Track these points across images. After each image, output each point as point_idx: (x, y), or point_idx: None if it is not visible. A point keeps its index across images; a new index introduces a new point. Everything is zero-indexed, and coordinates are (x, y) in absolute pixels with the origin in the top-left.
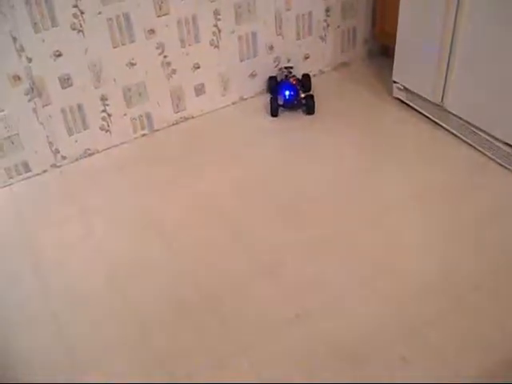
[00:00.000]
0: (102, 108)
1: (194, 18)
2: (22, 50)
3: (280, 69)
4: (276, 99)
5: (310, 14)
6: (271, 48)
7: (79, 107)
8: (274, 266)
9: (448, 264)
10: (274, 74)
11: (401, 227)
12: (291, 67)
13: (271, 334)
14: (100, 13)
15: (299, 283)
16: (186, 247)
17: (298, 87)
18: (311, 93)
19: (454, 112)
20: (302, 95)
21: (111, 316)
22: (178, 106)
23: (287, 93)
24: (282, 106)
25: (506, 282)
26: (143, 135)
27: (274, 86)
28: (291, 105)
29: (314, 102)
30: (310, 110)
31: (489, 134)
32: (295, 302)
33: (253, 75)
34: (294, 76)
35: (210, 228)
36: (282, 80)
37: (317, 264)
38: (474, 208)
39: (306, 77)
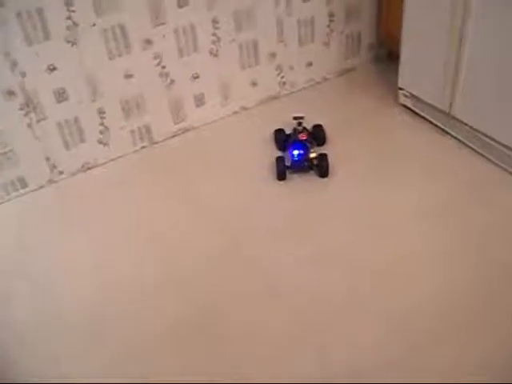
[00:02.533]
0: (100, 121)
1: (192, 27)
2: (14, 64)
3: (295, 118)
4: (283, 160)
5: (312, 19)
6: (273, 55)
7: (76, 121)
8: (275, 281)
9: (451, 281)
10: (281, 127)
11: (407, 241)
12: (301, 117)
13: (274, 352)
14: (94, 24)
15: (300, 299)
16: (188, 263)
17: (309, 144)
18: (324, 151)
19: (462, 119)
20: (313, 155)
21: (108, 334)
22: (177, 116)
23: (296, 153)
24: (290, 167)
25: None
26: (142, 147)
27: (282, 141)
28: (300, 167)
29: (327, 163)
30: (323, 172)
31: (499, 143)
32: (297, 319)
33: (254, 84)
34: (304, 129)
35: (211, 243)
36: (290, 135)
37: (317, 279)
38: (484, 221)
39: (319, 128)
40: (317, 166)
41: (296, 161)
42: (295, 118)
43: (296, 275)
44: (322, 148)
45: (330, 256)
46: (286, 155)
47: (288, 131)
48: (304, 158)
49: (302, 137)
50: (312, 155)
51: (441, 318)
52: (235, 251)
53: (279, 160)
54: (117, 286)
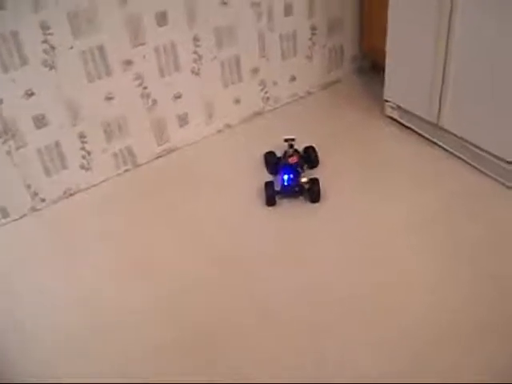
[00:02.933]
0: (81, 145)
1: (173, 46)
2: None
3: (286, 140)
4: (272, 185)
5: (294, 33)
6: (256, 71)
7: (56, 146)
8: (272, 309)
9: (444, 296)
10: (271, 149)
11: (398, 258)
12: (292, 139)
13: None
14: (72, 47)
15: (291, 324)
16: (175, 290)
17: (299, 169)
18: (315, 176)
19: (450, 130)
20: (304, 179)
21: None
22: (161, 138)
23: (286, 177)
24: (280, 192)
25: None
26: (126, 170)
27: (273, 164)
28: (291, 192)
29: (318, 188)
30: (314, 198)
31: (488, 152)
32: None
33: (238, 101)
34: (295, 151)
35: (198, 268)
36: (280, 158)
37: (309, 304)
38: (475, 233)
39: (310, 150)
40: (308, 190)
41: (286, 186)
42: (286, 140)
43: (286, 300)
44: (313, 171)
45: (320, 283)
46: (276, 179)
47: (279, 154)
48: (294, 183)
49: (293, 160)
50: (303, 180)
51: (437, 332)
52: (223, 276)
53: (268, 185)
54: (103, 313)
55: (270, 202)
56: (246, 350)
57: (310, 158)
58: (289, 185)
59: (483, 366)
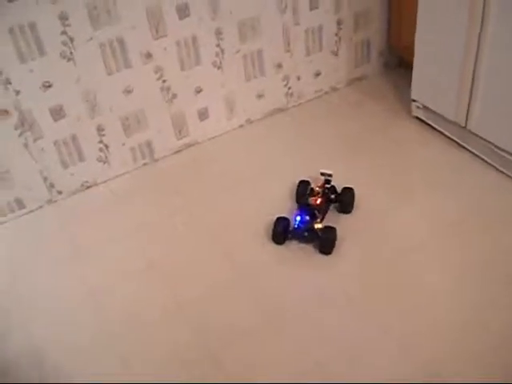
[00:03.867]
0: (99, 139)
1: (194, 39)
2: (8, 82)
3: (322, 174)
4: (283, 221)
5: (320, 27)
6: (279, 66)
7: (73, 139)
8: (285, 315)
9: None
10: (305, 178)
11: (426, 267)
12: (330, 175)
13: None
14: (91, 38)
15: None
16: (192, 294)
17: (318, 213)
18: (331, 224)
19: (479, 134)
20: (318, 226)
21: (107, 358)
22: (180, 132)
23: (298, 219)
24: (290, 232)
25: None
26: (144, 164)
27: (302, 195)
28: (299, 236)
29: (333, 239)
30: (324, 249)
31: None
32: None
33: (260, 96)
34: (325, 190)
35: (218, 273)
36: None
37: (333, 312)
38: (507, 241)
39: (348, 191)
40: (319, 239)
41: (296, 228)
42: (322, 174)
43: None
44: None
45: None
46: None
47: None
48: (306, 226)
49: (314, 201)
50: (317, 226)
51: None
52: (238, 280)
53: (279, 221)
54: (113, 312)
55: (276, 239)
56: (255, 354)
57: (345, 200)
58: (299, 227)
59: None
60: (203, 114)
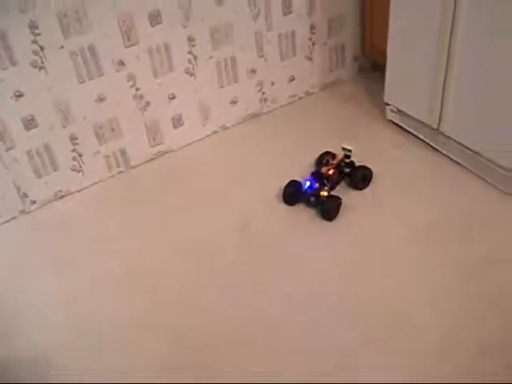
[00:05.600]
0: (72, 147)
1: (167, 46)
2: None
3: (343, 148)
4: (295, 184)
5: (293, 33)
6: (253, 72)
7: (47, 148)
8: (270, 323)
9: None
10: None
11: (402, 274)
12: (349, 150)
13: None
14: (62, 47)
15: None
16: (169, 302)
17: (327, 181)
18: (336, 194)
19: (452, 136)
20: (324, 193)
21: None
22: (154, 139)
23: (307, 183)
24: (299, 194)
25: None
26: (119, 172)
27: (290, 195)
28: (305, 199)
29: (334, 208)
30: (324, 214)
31: (490, 161)
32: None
33: (234, 102)
34: (341, 164)
35: (196, 280)
36: (300, 189)
37: (320, 321)
38: (481, 246)
39: (362, 169)
40: (322, 205)
41: (303, 192)
42: (343, 149)
43: (284, 311)
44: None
45: (315, 293)
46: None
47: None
48: (313, 192)
49: (327, 171)
50: (323, 193)
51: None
52: (218, 285)
53: (290, 183)
54: (90, 323)
55: (286, 199)
56: (241, 360)
57: (355, 177)
58: (306, 192)
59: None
60: (177, 121)
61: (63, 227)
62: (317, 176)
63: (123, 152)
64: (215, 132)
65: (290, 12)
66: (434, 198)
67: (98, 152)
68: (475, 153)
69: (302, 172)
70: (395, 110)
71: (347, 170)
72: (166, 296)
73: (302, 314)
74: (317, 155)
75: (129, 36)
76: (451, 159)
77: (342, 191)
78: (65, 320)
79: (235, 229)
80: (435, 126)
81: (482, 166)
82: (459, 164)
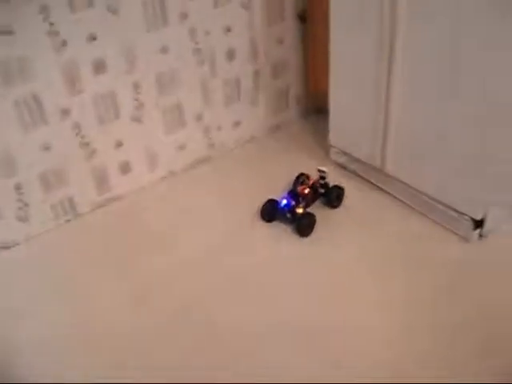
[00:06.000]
0: (17, 197)
1: (112, 94)
2: None
3: (319, 170)
4: (273, 202)
5: (237, 78)
6: (199, 117)
7: None
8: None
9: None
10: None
11: (354, 308)
12: (324, 172)
13: None
14: (4, 96)
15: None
16: (117, 353)
17: (303, 199)
18: (310, 211)
19: (395, 176)
20: (299, 210)
21: None
22: (102, 187)
23: (284, 201)
24: (276, 211)
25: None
26: (67, 221)
27: (268, 213)
28: (282, 216)
29: (309, 224)
30: (299, 230)
31: (433, 198)
32: None
33: (182, 147)
34: (316, 184)
35: (149, 324)
36: (277, 207)
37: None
38: (427, 280)
39: (336, 189)
40: (297, 221)
41: (280, 208)
42: (319, 171)
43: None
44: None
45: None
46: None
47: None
48: (289, 209)
49: (302, 190)
50: (298, 210)
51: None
52: (167, 329)
53: (268, 201)
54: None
55: (263, 214)
56: None
57: (333, 196)
58: (283, 209)
59: None
60: (125, 168)
61: (8, 279)
62: (293, 194)
63: (70, 200)
64: (164, 177)
65: (234, 58)
66: (378, 237)
67: (44, 201)
68: (419, 192)
69: (249, 215)
70: (339, 151)
71: (322, 191)
72: (117, 344)
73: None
74: (265, 199)
75: (73, 84)
76: (397, 199)
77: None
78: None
79: (185, 272)
80: (379, 167)
81: (425, 203)
82: (405, 203)
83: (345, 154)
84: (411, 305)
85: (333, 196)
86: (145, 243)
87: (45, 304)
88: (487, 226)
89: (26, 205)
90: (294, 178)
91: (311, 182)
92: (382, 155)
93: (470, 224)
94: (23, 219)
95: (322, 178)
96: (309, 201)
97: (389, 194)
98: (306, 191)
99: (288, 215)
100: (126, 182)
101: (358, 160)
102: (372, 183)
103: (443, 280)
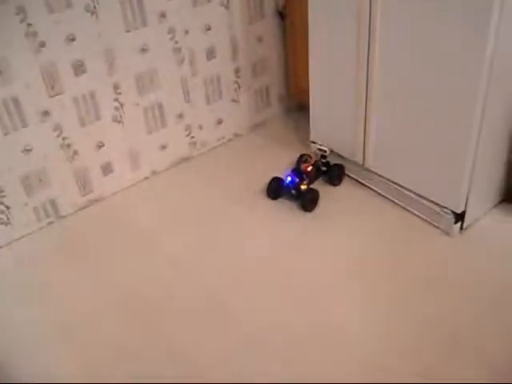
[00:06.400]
0: None
1: (92, 95)
2: None
3: (320, 149)
4: (278, 180)
5: (218, 76)
6: (180, 116)
7: None
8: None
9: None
10: (277, 175)
11: (337, 307)
12: (325, 151)
13: None
14: None
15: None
16: (102, 356)
17: (306, 176)
18: (313, 187)
19: (376, 171)
20: (304, 186)
21: None
22: (84, 188)
23: (289, 178)
24: (281, 189)
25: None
26: (49, 223)
27: (273, 190)
28: (287, 193)
29: (313, 199)
30: (304, 205)
31: (414, 192)
32: None
33: (163, 147)
34: (318, 162)
35: (133, 327)
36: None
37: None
38: (409, 274)
39: (336, 167)
40: (302, 196)
41: (285, 185)
42: (319, 150)
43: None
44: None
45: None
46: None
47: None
48: (294, 186)
49: (306, 167)
50: (303, 186)
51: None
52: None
53: (275, 179)
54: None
55: (269, 192)
56: None
57: (334, 174)
58: (288, 186)
59: None
60: (106, 169)
61: None
62: (297, 172)
63: (53, 202)
64: (146, 178)
65: (214, 57)
66: (360, 232)
67: (26, 204)
68: (399, 186)
69: (234, 214)
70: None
71: (324, 169)
72: (96, 351)
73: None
74: (249, 194)
75: (53, 86)
76: (379, 194)
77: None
78: None
79: (167, 270)
80: (360, 162)
81: (406, 198)
82: (387, 198)
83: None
84: (393, 298)
85: (334, 174)
86: (129, 243)
87: (28, 306)
88: (468, 219)
89: (8, 208)
90: (275, 174)
91: (313, 161)
92: (363, 150)
93: (451, 217)
94: (5, 222)
95: (323, 156)
96: (312, 178)
97: (370, 188)
98: (309, 169)
99: (293, 191)
100: (108, 183)
101: (339, 156)
102: (354, 179)
103: (424, 272)
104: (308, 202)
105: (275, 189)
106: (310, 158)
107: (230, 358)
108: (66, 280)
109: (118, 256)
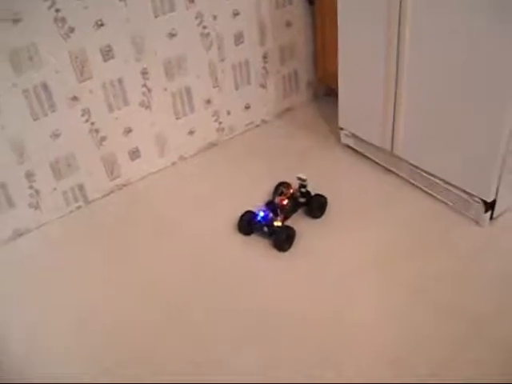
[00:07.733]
0: (29, 184)
1: (120, 80)
2: None
3: (299, 178)
4: (250, 214)
5: (246, 62)
6: (208, 102)
7: (2, 187)
8: (224, 355)
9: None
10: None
11: (359, 297)
12: (304, 180)
13: None
14: (14, 85)
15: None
16: (130, 343)
17: (280, 212)
18: (289, 224)
19: (405, 158)
20: (277, 223)
21: None
22: (112, 173)
23: (261, 214)
24: (253, 224)
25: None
26: (78, 208)
27: (246, 225)
28: (259, 230)
29: (286, 238)
30: (276, 244)
31: (443, 180)
32: None
33: (191, 132)
34: (296, 193)
35: (151, 318)
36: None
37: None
38: (437, 264)
39: (318, 198)
40: (275, 235)
41: (257, 222)
42: (299, 179)
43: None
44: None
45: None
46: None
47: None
48: (266, 222)
49: (281, 201)
50: (276, 223)
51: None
52: (181, 320)
53: (246, 213)
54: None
55: (240, 227)
56: None
57: (311, 206)
58: (259, 222)
59: None
60: (134, 154)
61: (22, 268)
62: (271, 206)
63: (81, 187)
64: (173, 163)
65: (242, 42)
66: (389, 221)
67: (55, 188)
68: (428, 173)
69: (260, 201)
70: (349, 134)
71: (302, 200)
72: (126, 328)
73: (256, 336)
74: (276, 182)
75: (82, 71)
76: (407, 181)
77: (298, 220)
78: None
79: (192, 259)
80: (389, 149)
81: (436, 186)
82: (414, 185)
83: (354, 136)
84: (419, 289)
85: (314, 206)
86: (154, 228)
87: (54, 290)
88: (498, 208)
89: (38, 192)
90: (302, 163)
91: (291, 192)
92: (392, 137)
93: (481, 206)
94: (35, 206)
95: (303, 186)
96: (288, 212)
97: (399, 176)
98: (285, 202)
99: (265, 229)
100: (136, 169)
101: (367, 142)
102: (382, 166)
103: (452, 262)
104: (281, 241)
105: (246, 225)
106: (288, 188)
107: (246, 343)
108: (92, 264)
109: (143, 241)
